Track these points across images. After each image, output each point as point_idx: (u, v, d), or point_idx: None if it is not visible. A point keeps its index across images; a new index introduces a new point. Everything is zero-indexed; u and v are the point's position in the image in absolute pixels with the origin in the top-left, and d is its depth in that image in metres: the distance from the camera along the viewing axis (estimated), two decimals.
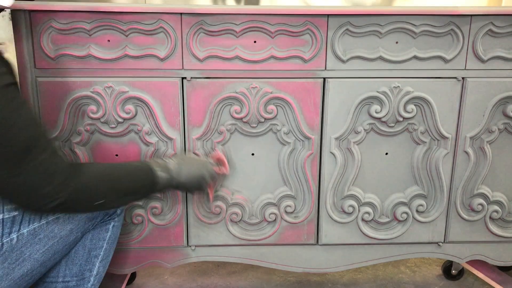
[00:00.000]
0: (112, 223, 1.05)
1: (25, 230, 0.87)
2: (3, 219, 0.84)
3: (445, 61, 1.16)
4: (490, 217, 1.28)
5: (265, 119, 1.16)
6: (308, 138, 1.18)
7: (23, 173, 0.76)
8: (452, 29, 1.14)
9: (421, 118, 1.19)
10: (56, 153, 0.81)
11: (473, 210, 1.27)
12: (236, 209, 1.23)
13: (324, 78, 1.16)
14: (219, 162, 1.14)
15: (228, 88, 1.14)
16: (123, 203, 1.02)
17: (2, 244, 0.84)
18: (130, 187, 0.93)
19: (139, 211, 1.21)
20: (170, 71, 1.13)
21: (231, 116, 1.16)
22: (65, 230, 0.94)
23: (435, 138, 1.21)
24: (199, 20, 1.10)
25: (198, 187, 1.06)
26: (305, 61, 1.14)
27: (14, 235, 0.85)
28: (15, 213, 0.86)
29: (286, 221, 1.25)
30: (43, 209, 0.81)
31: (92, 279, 1.04)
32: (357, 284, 1.51)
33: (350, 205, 1.24)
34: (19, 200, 0.80)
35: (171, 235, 1.24)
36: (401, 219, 1.26)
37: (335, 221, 1.25)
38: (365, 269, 1.60)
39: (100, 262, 1.04)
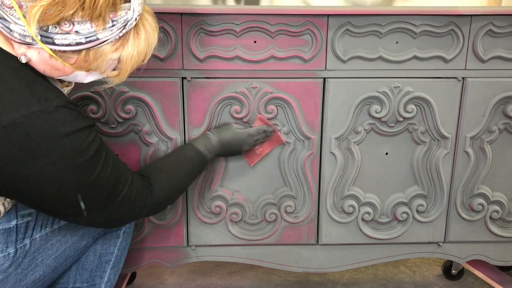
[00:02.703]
0: (124, 229, 1.06)
1: (37, 236, 0.86)
2: (16, 225, 0.83)
3: (445, 61, 1.16)
4: (490, 217, 1.28)
5: None
6: (308, 138, 1.18)
7: (108, 209, 0.83)
8: (452, 29, 1.14)
9: (421, 118, 1.19)
10: (133, 182, 0.86)
11: (473, 210, 1.27)
12: (236, 209, 1.23)
13: (324, 78, 1.16)
14: (262, 123, 1.17)
15: (228, 88, 1.14)
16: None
17: (16, 250, 0.83)
18: (190, 180, 1.05)
19: None
20: (170, 71, 1.13)
21: (231, 116, 1.16)
22: (77, 235, 0.95)
23: (435, 138, 1.21)
24: (199, 20, 1.10)
25: (235, 153, 1.15)
26: (305, 61, 1.14)
27: (27, 241, 0.85)
28: (29, 219, 0.86)
29: (286, 221, 1.25)
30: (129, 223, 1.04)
31: (103, 285, 1.03)
32: (357, 284, 1.51)
33: (350, 205, 1.24)
34: (106, 226, 0.93)
35: (171, 235, 1.24)
36: (401, 219, 1.26)
37: (335, 221, 1.25)
38: (365, 269, 1.60)
39: (111, 268, 1.04)
